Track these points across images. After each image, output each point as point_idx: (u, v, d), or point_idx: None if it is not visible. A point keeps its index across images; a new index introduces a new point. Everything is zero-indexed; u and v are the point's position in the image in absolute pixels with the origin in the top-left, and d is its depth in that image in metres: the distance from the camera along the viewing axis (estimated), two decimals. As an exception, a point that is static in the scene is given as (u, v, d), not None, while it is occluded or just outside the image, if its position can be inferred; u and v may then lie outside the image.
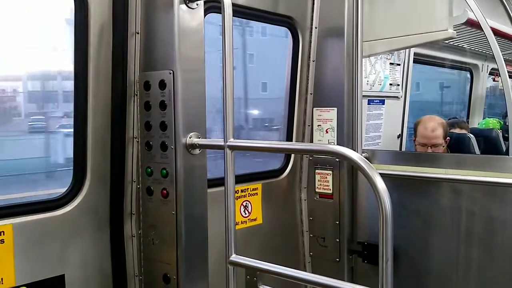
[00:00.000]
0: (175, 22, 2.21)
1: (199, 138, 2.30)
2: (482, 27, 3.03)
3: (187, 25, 2.25)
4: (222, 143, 2.11)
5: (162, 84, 2.26)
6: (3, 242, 2.04)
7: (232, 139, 2.10)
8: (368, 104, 3.90)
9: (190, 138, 2.27)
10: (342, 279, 3.14)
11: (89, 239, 2.33)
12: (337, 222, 3.18)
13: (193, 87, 2.29)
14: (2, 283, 2.03)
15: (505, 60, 5.94)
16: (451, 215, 2.80)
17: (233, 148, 2.09)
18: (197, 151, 2.31)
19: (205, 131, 2.36)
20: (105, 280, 2.37)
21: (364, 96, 3.55)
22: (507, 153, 4.87)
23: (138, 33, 2.36)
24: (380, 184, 1.63)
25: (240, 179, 3.02)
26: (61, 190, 2.29)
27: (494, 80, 6.50)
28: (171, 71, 2.22)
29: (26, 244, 2.11)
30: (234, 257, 2.10)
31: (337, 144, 3.16)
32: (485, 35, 3.31)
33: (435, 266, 2.88)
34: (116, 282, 2.38)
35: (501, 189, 2.61)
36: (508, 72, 6.39)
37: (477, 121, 6.35)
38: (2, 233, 2.04)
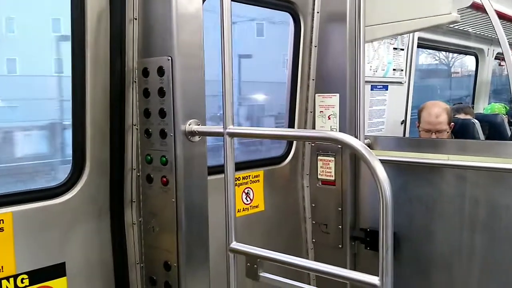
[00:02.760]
0: (173, 7, 2.18)
1: (199, 125, 2.28)
2: (486, 10, 2.97)
3: (185, 10, 2.21)
4: (222, 130, 2.09)
5: (161, 71, 2.23)
6: (3, 230, 2.04)
7: (231, 126, 2.08)
8: (371, 89, 3.86)
9: (189, 125, 2.25)
10: (345, 266, 3.16)
11: (90, 227, 2.33)
12: (340, 209, 3.17)
13: (192, 74, 2.26)
14: (2, 271, 2.03)
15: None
16: (454, 201, 2.78)
17: (232, 135, 2.07)
18: (196, 138, 2.29)
19: (205, 118, 2.33)
20: (106, 268, 2.37)
21: (367, 81, 3.52)
22: (511, 138, 4.83)
23: (136, 19, 2.33)
24: (380, 172, 1.61)
25: (241, 166, 3.01)
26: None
27: (500, 65, 6.42)
28: (170, 58, 2.20)
29: (26, 232, 2.10)
30: (234, 245, 2.10)
31: (340, 130, 3.13)
32: (490, 19, 3.24)
33: (438, 253, 2.87)
34: (117, 269, 2.38)
35: (505, 175, 2.59)
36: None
37: (483, 106, 6.29)
38: (1, 221, 2.03)
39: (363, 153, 1.66)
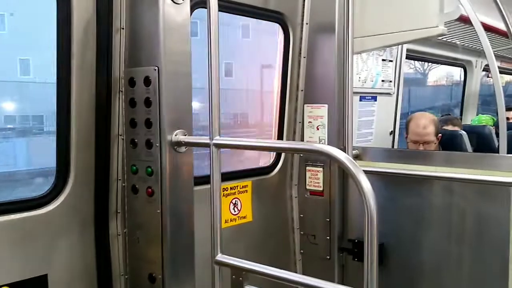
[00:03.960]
0: (160, 17, 2.17)
1: (185, 135, 2.27)
2: (472, 22, 3.00)
3: (173, 20, 2.21)
4: (208, 141, 2.08)
5: (147, 81, 2.22)
6: None
7: (218, 137, 2.07)
8: (360, 100, 3.87)
9: (175, 135, 2.24)
10: (333, 277, 3.14)
11: (73, 238, 2.29)
12: (328, 220, 3.16)
13: (178, 84, 2.25)
14: None
15: (503, 57, 5.91)
16: (442, 213, 2.79)
17: (218, 146, 2.06)
18: (183, 148, 2.27)
19: (191, 128, 2.32)
20: (89, 280, 2.34)
21: (355, 92, 3.53)
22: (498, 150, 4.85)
23: (123, 29, 2.32)
24: (365, 184, 1.61)
25: (229, 176, 3.00)
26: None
27: (488, 77, 6.48)
28: (156, 68, 2.19)
29: (7, 243, 2.07)
30: (219, 257, 2.08)
31: (328, 141, 3.13)
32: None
33: (425, 264, 2.86)
34: (101, 281, 2.34)
35: (492, 187, 2.59)
36: (506, 69, 6.36)
37: (471, 118, 6.33)
38: None
39: (348, 166, 1.65)
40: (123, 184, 2.39)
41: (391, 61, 4.09)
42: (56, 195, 2.22)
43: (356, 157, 3.08)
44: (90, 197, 2.31)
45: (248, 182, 3.09)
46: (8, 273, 2.07)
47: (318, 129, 3.18)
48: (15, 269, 2.10)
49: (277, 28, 3.22)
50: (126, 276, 2.42)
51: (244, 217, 3.08)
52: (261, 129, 3.87)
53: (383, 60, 3.99)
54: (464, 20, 3.58)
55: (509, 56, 6.04)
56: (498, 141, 4.85)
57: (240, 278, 2.05)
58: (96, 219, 2.33)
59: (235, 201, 3.02)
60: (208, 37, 2.05)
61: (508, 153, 3.30)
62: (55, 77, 2.23)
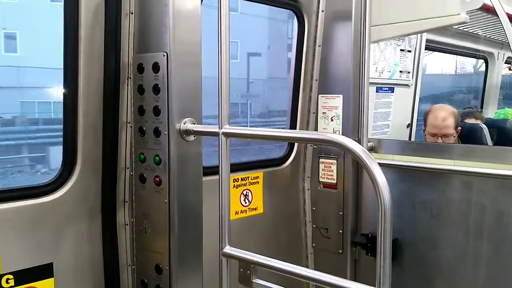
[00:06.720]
0: (170, 2, 2.11)
1: (194, 124, 2.21)
2: (497, 13, 2.88)
3: (183, 6, 2.15)
4: (217, 130, 2.02)
5: (156, 67, 2.16)
6: None
7: (227, 126, 2.01)
8: (376, 91, 3.77)
9: (184, 124, 2.19)
10: (345, 272, 3.07)
11: (80, 227, 2.26)
12: (341, 213, 3.09)
13: (188, 71, 2.19)
14: None
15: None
16: (460, 208, 2.70)
17: (228, 135, 2.00)
18: (191, 137, 2.22)
19: (201, 117, 2.27)
20: (96, 269, 2.31)
21: (372, 83, 3.43)
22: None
23: (132, 13, 2.27)
24: (380, 176, 1.53)
25: (241, 167, 2.95)
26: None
27: (510, 69, 6.30)
28: (165, 53, 2.13)
29: (12, 231, 2.04)
30: (227, 249, 2.03)
31: (343, 132, 3.05)
32: (501, 22, 3.15)
33: (442, 260, 2.78)
34: (108, 271, 2.32)
35: (512, 182, 2.50)
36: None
37: (491, 111, 6.17)
38: None
39: (361, 157, 1.58)
40: (131, 173, 2.35)
41: (410, 51, 3.97)
42: (63, 182, 2.19)
43: (371, 149, 3.00)
44: (97, 185, 2.28)
45: (259, 173, 3.03)
46: (13, 261, 2.05)
47: (332, 120, 3.10)
48: (20, 257, 2.08)
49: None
50: (133, 267, 2.39)
51: (255, 209, 3.02)
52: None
53: (401, 50, 3.87)
54: (487, 9, 3.45)
55: (534, 48, 5.85)
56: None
57: (248, 272, 2.00)
58: (104, 207, 2.30)
59: (246, 192, 2.97)
60: (218, 26, 1.98)
61: (530, 147, 3.18)
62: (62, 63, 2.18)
